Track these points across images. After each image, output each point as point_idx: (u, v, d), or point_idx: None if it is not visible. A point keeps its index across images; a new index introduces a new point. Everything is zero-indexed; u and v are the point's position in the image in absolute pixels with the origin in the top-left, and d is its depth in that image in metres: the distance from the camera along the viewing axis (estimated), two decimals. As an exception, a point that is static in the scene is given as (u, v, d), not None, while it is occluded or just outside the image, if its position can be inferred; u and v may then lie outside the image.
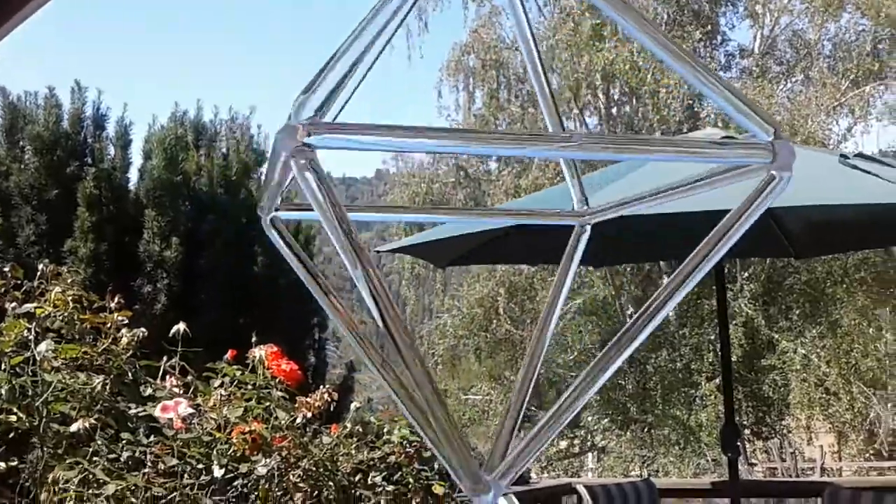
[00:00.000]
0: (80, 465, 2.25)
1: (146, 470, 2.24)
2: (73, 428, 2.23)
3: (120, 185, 5.00)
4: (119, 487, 2.15)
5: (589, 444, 14.39)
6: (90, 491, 2.18)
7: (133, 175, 5.23)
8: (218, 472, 2.31)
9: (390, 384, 0.72)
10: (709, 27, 15.55)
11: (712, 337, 13.43)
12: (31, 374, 2.47)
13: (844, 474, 12.95)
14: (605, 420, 13.77)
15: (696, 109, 14.81)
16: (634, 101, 14.58)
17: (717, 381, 12.77)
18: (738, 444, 4.06)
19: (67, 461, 2.28)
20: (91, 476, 2.21)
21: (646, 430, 13.42)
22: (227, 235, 5.23)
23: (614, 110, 15.20)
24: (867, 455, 14.21)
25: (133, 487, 2.26)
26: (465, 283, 15.14)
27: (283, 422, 2.50)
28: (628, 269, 14.59)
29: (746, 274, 13.66)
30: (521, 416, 0.78)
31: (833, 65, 15.20)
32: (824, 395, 13.01)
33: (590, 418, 13.99)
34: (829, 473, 13.15)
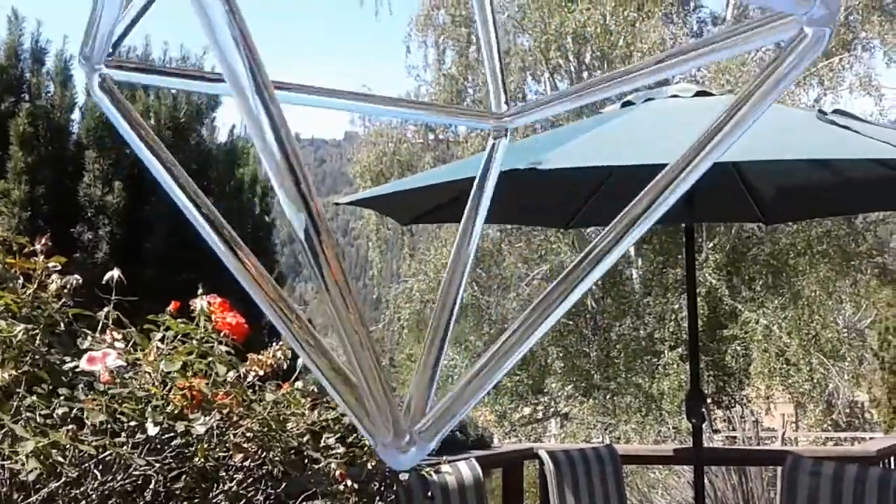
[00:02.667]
0: (0, 421, 2.05)
1: (71, 427, 2.05)
2: (-10, 379, 2.02)
3: (59, 123, 4.68)
4: (40, 444, 1.95)
5: (552, 410, 14.43)
6: (7, 448, 1.99)
7: (76, 116, 4.94)
8: (152, 430, 2.13)
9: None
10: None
11: (676, 306, 13.47)
12: (-52, 321, 2.26)
13: (801, 444, 13.14)
14: (569, 387, 13.79)
15: (667, 77, 14.69)
16: (606, 65, 14.40)
17: (680, 349, 12.82)
18: (704, 411, 3.98)
19: (-15, 416, 2.08)
20: (10, 432, 2.02)
21: (608, 397, 13.47)
22: None
23: (585, 74, 15.01)
24: (824, 426, 14.43)
25: (59, 445, 2.07)
26: (433, 248, 14.98)
27: (225, 378, 2.32)
28: (594, 234, 14.54)
29: (711, 244, 13.68)
30: (438, 365, 0.61)
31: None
32: (784, 366, 13.14)
33: (553, 385, 14.00)
34: (787, 443, 13.35)
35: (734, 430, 9.08)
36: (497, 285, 14.84)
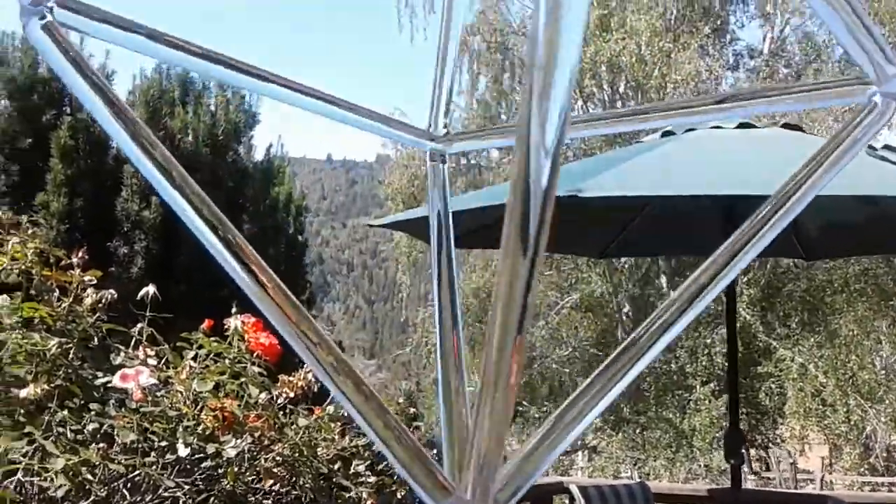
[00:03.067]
0: (31, 436, 2.02)
1: (101, 445, 2.01)
2: (23, 393, 1.99)
3: (99, 137, 4.71)
4: (70, 462, 1.92)
5: (580, 442, 14.21)
6: (38, 465, 1.96)
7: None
8: (183, 452, 2.09)
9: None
10: (719, 22, 15.33)
11: (708, 340, 13.24)
12: (-17, 333, 2.24)
13: (837, 488, 12.76)
14: (598, 419, 13.58)
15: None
16: (640, 95, 14.33)
17: (712, 385, 12.58)
18: (743, 451, 3.85)
19: (17, 431, 2.05)
20: (41, 448, 1.99)
21: (638, 431, 13.23)
22: (213, 197, 4.81)
23: (619, 104, 14.95)
24: (861, 469, 14.03)
25: (89, 463, 2.04)
26: (462, 273, 14.91)
27: (257, 399, 2.27)
28: (626, 265, 14.40)
29: (746, 278, 13.46)
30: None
31: (844, 68, 14.98)
32: (820, 406, 12.82)
33: (580, 416, 13.78)
34: (824, 486, 12.96)
35: (769, 470, 8.85)
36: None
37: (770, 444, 12.82)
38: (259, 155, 5.92)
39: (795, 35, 15.99)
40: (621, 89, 14.97)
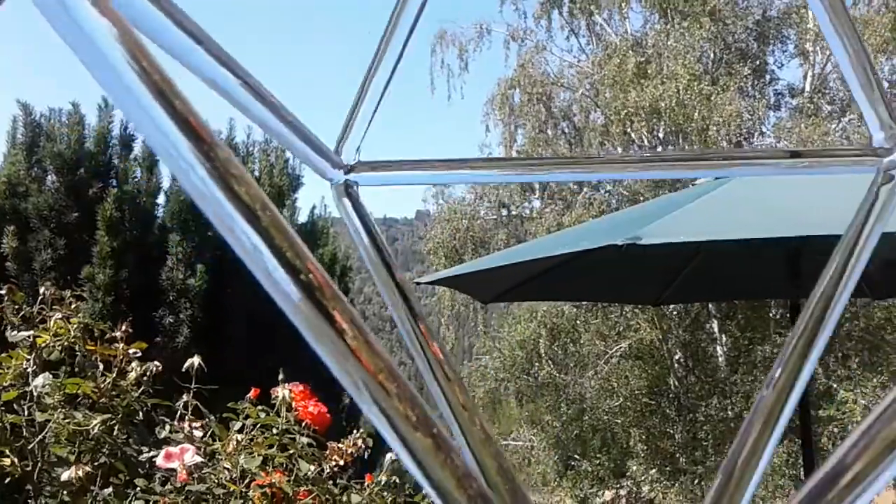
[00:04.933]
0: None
1: (146, 529, 1.92)
2: (65, 476, 1.92)
3: (144, 208, 4.72)
4: (113, 549, 1.82)
5: (635, 495, 13.75)
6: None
7: (161, 200, 5.00)
8: (231, 532, 1.98)
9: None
10: (757, 63, 15.20)
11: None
12: (26, 412, 2.18)
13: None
14: (653, 470, 13.14)
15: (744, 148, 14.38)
16: (681, 139, 14.19)
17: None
18: None
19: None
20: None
21: (696, 481, 12.75)
22: None
23: (659, 149, 14.82)
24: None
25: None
26: (506, 325, 14.73)
27: (307, 473, 2.17)
28: (675, 312, 14.08)
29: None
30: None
31: (889, 103, 14.67)
32: (887, 450, 12.24)
33: (635, 468, 13.37)
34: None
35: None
36: (574, 363, 14.42)
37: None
38: (303, 217, 5.94)
39: (837, 72, 15.77)
40: (661, 134, 14.86)
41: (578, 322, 14.43)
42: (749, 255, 3.85)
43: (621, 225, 3.32)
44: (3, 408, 2.18)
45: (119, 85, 0.30)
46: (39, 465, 2.18)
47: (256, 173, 5.16)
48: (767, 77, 16.28)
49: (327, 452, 2.49)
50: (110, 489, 2.22)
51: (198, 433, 2.40)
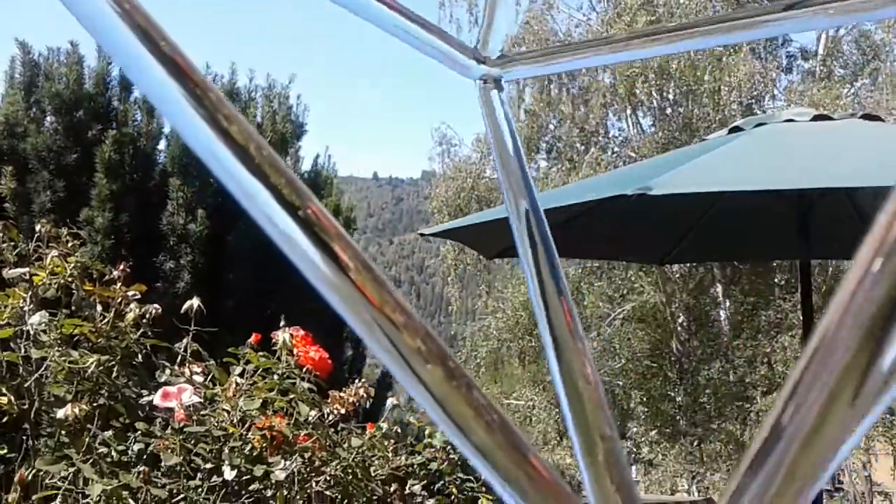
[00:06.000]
0: (68, 459, 1.91)
1: (143, 468, 1.89)
2: (60, 414, 1.88)
3: (144, 152, 4.63)
4: (108, 487, 1.79)
5: (634, 456, 13.85)
6: (75, 491, 1.84)
7: (162, 145, 4.89)
8: (229, 474, 1.95)
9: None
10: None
11: (768, 349, 12.80)
12: (22, 350, 2.14)
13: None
14: (653, 432, 13.21)
15: (755, 112, 14.19)
16: (690, 101, 14.00)
17: (773, 395, 12.14)
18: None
19: (54, 455, 1.94)
20: (80, 473, 1.87)
21: (696, 444, 12.82)
22: None
23: (669, 111, 14.64)
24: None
25: (130, 488, 1.91)
26: (510, 286, 14.71)
27: (307, 417, 2.13)
28: (679, 275, 14.03)
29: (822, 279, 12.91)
30: None
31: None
32: (887, 416, 12.29)
33: (635, 429, 13.45)
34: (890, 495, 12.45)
35: (840, 483, 8.46)
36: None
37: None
38: (306, 165, 5.83)
39: (851, 34, 15.49)
40: (672, 96, 14.66)
41: (582, 284, 14.40)
42: (759, 212, 3.78)
43: (631, 177, 3.25)
44: (-2, 346, 2.15)
45: (103, 27, 0.30)
46: (37, 404, 2.15)
47: (259, 119, 5.05)
48: (780, 39, 16.02)
49: (329, 401, 2.46)
50: (110, 432, 2.19)
51: (198, 378, 2.37)
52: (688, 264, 13.53)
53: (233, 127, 0.28)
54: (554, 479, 0.31)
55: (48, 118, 4.66)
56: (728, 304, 14.07)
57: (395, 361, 0.31)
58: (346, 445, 2.19)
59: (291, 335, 2.32)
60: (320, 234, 0.30)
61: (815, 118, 3.34)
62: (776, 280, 13.66)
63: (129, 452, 2.14)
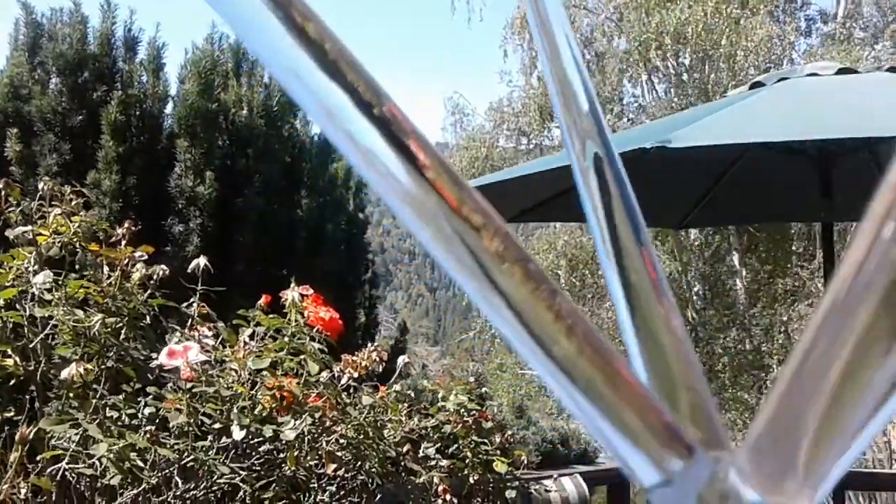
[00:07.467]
0: (73, 420, 1.87)
1: (149, 428, 1.85)
2: (64, 374, 1.84)
3: (151, 114, 4.55)
4: (114, 447, 1.75)
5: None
6: (83, 451, 1.80)
7: (169, 108, 4.81)
8: (238, 434, 1.91)
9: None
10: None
11: (785, 318, 12.69)
12: (27, 311, 2.10)
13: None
14: (668, 400, 13.17)
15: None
16: (707, 66, 13.76)
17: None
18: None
19: (58, 415, 1.91)
20: (85, 433, 1.83)
21: (711, 412, 12.78)
22: (269, 174, 4.72)
23: (685, 76, 14.41)
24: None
25: (136, 448, 1.87)
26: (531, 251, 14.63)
27: (318, 377, 2.08)
28: (696, 243, 13.90)
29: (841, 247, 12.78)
30: None
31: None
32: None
33: (651, 398, 13.40)
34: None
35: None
36: (592, 294, 14.36)
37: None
38: (316, 128, 5.75)
39: (871, -5, 15.16)
40: (688, 61, 14.42)
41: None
42: (780, 171, 3.68)
43: (651, 132, 3.15)
44: (2, 307, 2.10)
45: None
46: (43, 366, 2.11)
47: (266, 79, 4.97)
48: (799, 1, 15.71)
49: (341, 364, 2.41)
50: (121, 396, 2.15)
51: (208, 340, 2.32)
52: (704, 231, 13.40)
53: (308, 25, 0.26)
54: (643, 392, 0.28)
55: (53, 79, 4.59)
56: (744, 272, 13.93)
57: (469, 264, 0.27)
58: (357, 405, 2.14)
59: (301, 295, 2.26)
60: (397, 133, 0.26)
61: (840, 71, 3.23)
62: (793, 248, 13.51)
63: (140, 416, 2.11)
